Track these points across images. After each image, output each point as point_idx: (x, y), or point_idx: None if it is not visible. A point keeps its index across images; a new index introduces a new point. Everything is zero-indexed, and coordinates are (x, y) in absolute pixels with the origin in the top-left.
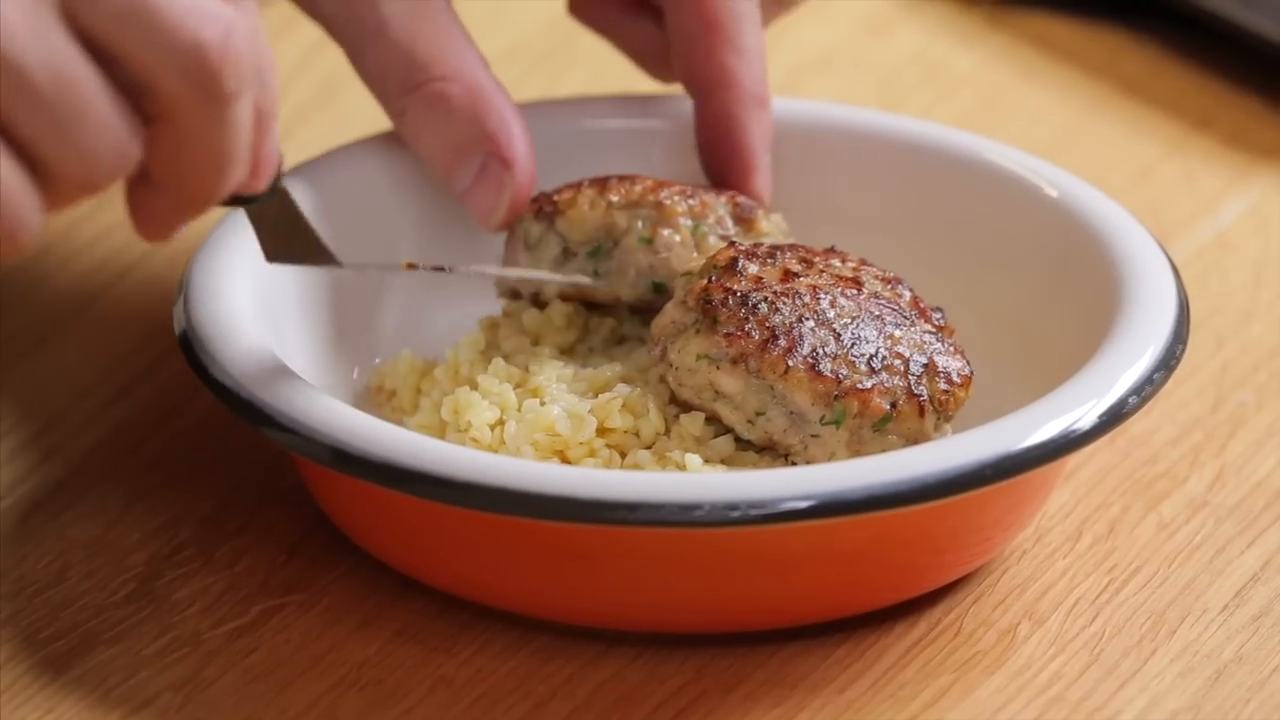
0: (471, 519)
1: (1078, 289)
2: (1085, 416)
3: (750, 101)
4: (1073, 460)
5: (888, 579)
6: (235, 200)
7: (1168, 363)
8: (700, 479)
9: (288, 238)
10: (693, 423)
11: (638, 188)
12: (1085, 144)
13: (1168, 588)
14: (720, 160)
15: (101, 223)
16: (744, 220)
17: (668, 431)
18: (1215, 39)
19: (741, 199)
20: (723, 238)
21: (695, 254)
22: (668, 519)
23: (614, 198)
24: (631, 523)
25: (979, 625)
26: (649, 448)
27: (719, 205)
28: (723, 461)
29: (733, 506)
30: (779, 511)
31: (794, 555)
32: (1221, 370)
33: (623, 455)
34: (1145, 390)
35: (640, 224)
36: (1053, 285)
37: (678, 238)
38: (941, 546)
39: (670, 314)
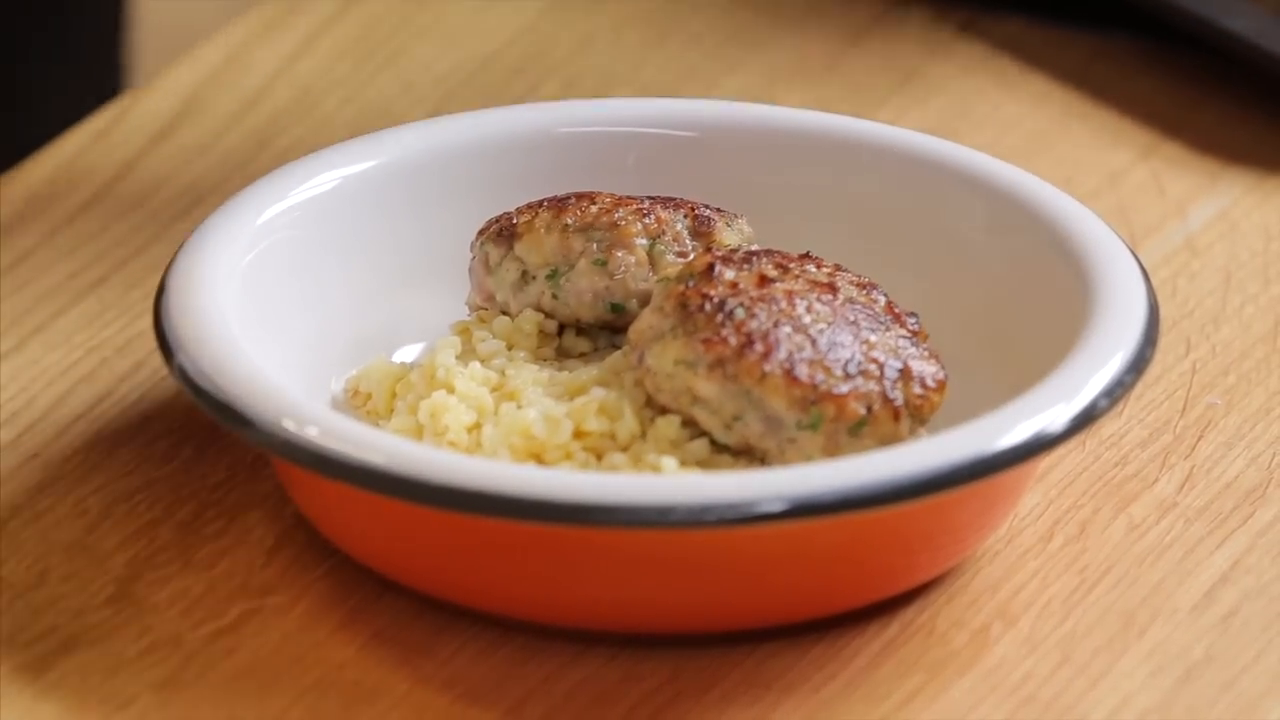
0: (449, 521)
1: (1049, 293)
2: (1057, 419)
3: None
4: (1044, 462)
5: (862, 580)
6: None
7: (1138, 366)
8: (675, 482)
9: None
10: (668, 426)
11: (594, 208)
12: (1056, 150)
13: (1138, 588)
14: None
15: (83, 228)
16: (702, 233)
17: (644, 435)
18: (1184, 44)
19: (700, 210)
20: (679, 254)
21: (651, 274)
22: (643, 521)
23: (569, 220)
24: (607, 525)
25: (952, 625)
26: (625, 450)
27: (676, 220)
28: (698, 464)
29: (707, 509)
30: (754, 514)
31: (769, 557)
32: (1191, 373)
33: (599, 458)
34: (1116, 393)
35: (595, 246)
36: (1024, 289)
37: (633, 259)
38: (915, 548)
39: (648, 319)
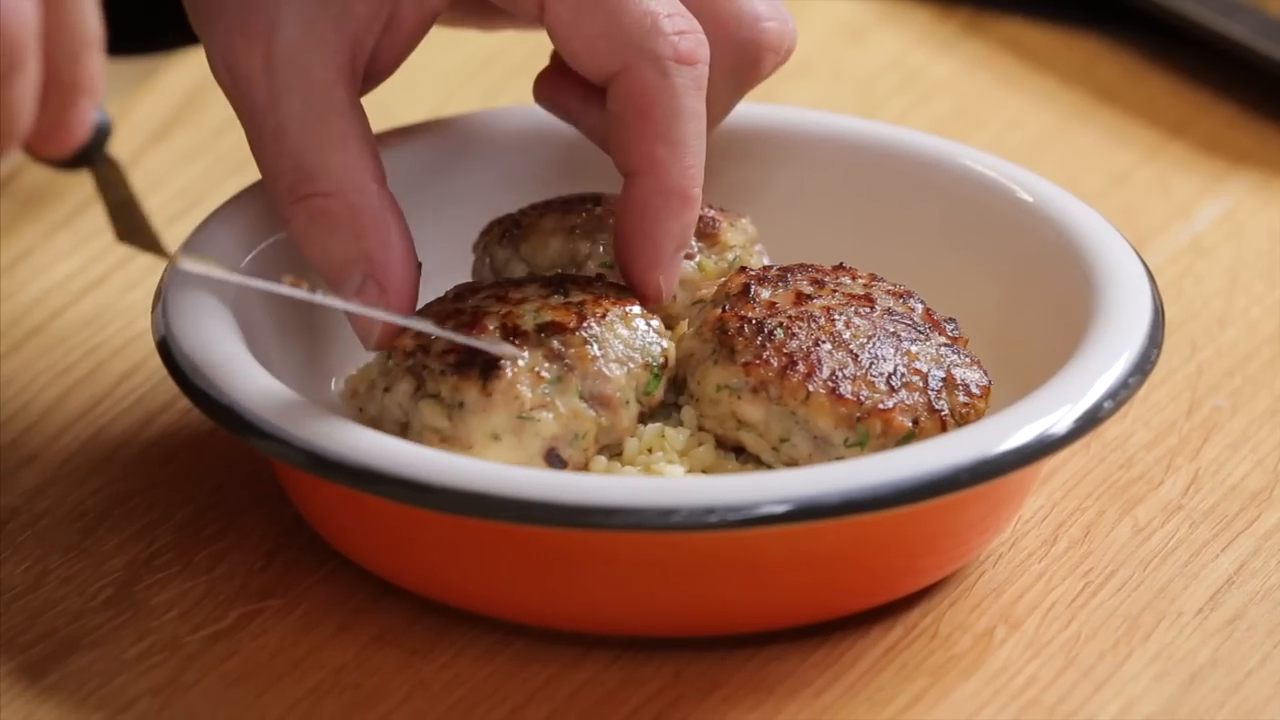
0: (449, 523)
1: (1053, 294)
2: (1061, 421)
3: (670, 195)
4: (1048, 464)
5: (864, 583)
6: (51, 161)
7: (1143, 367)
8: (677, 483)
9: (127, 216)
10: (676, 437)
11: (600, 210)
12: (1061, 150)
13: (1143, 591)
14: (628, 249)
15: (81, 229)
16: (708, 235)
17: (650, 450)
18: (1190, 46)
19: (704, 211)
20: (685, 256)
21: None
22: (645, 523)
23: (576, 222)
24: (609, 527)
25: (955, 629)
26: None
27: None
28: (703, 470)
29: (709, 510)
30: (756, 516)
31: (771, 559)
32: (1196, 375)
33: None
34: (1120, 395)
35: (602, 249)
36: (1028, 290)
37: None
38: (918, 550)
39: (687, 344)
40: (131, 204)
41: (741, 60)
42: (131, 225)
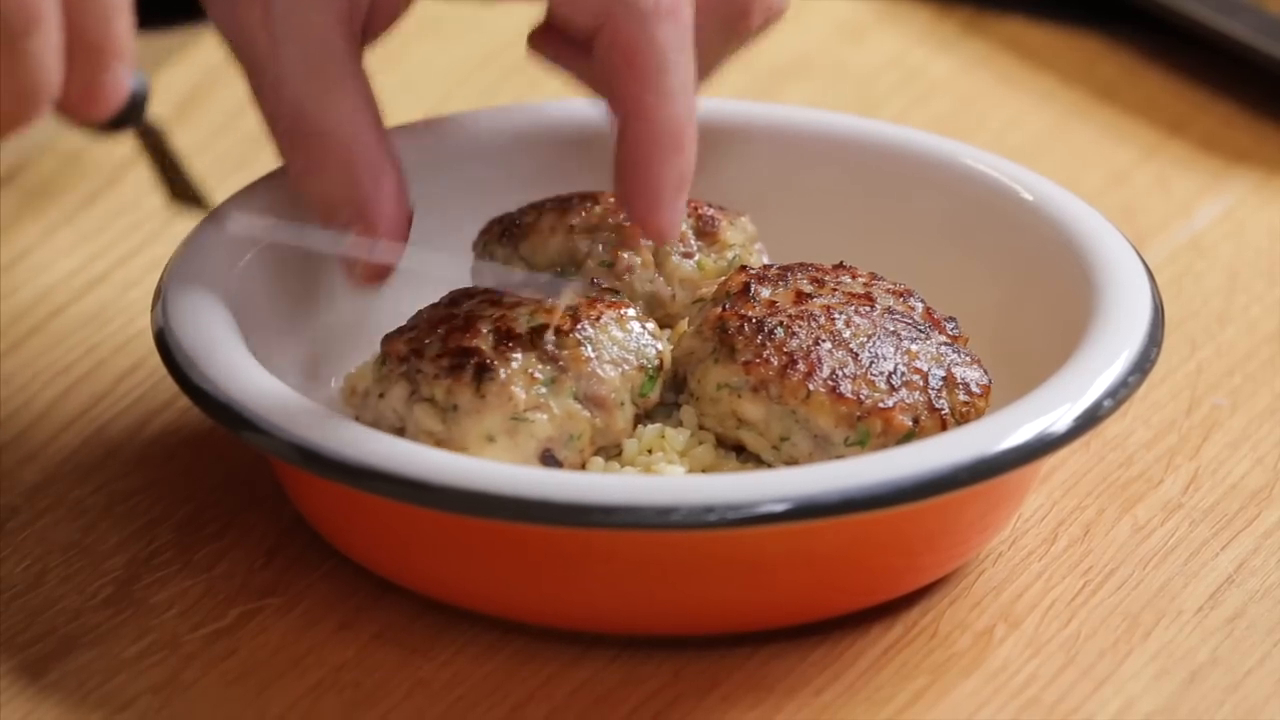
0: (449, 522)
1: (1053, 293)
2: (1060, 419)
3: (664, 139)
4: (1048, 463)
5: (864, 581)
6: (91, 126)
7: (1142, 366)
8: (676, 482)
9: (173, 179)
10: (676, 438)
11: (598, 209)
12: (1060, 149)
13: (1143, 590)
14: (627, 192)
15: (82, 226)
16: (707, 234)
17: (650, 450)
18: (1190, 44)
19: (703, 210)
20: (685, 255)
21: (657, 275)
22: (644, 522)
23: (574, 221)
24: (609, 526)
25: (955, 628)
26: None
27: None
28: (703, 469)
29: (709, 509)
30: (755, 514)
31: (771, 558)
32: (1196, 373)
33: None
34: (1120, 393)
35: (601, 248)
36: (1028, 289)
37: (639, 259)
38: (918, 549)
39: (687, 343)
40: (176, 166)
41: (730, 10)
42: (179, 187)
